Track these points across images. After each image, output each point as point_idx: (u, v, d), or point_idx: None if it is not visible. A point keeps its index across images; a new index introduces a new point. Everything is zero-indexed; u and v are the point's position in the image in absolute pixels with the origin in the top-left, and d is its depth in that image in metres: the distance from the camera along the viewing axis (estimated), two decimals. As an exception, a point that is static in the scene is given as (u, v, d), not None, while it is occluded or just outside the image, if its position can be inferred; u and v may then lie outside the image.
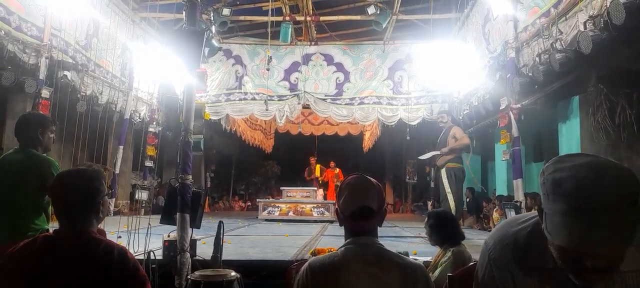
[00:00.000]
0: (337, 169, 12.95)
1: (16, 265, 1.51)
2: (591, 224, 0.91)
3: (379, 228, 1.63)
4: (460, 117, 9.24)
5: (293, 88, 10.69)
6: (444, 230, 3.01)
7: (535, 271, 1.14)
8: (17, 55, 6.33)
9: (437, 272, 2.82)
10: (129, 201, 10.35)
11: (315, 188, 11.26)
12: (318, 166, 12.93)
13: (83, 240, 1.55)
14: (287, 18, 9.75)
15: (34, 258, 1.50)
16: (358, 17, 9.86)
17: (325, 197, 12.54)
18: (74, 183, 1.63)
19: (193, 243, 3.75)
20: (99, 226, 1.74)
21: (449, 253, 2.87)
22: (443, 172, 6.82)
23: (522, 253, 1.16)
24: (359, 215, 1.54)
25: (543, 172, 1.03)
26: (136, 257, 1.65)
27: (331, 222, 9.57)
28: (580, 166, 0.97)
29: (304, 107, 10.91)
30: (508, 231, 1.23)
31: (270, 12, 9.26)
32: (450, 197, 6.62)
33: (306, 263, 1.55)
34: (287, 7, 9.63)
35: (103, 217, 1.71)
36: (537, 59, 5.78)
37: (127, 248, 1.66)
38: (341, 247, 1.56)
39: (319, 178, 12.65)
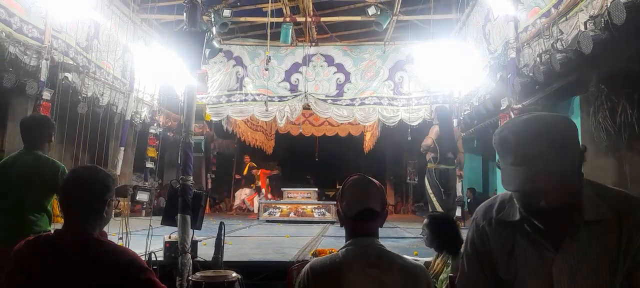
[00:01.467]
0: (260, 170, 12.90)
1: (17, 264, 1.51)
2: (531, 168, 1.13)
3: (380, 229, 1.63)
4: (461, 118, 9.24)
5: (293, 89, 10.68)
6: (442, 236, 2.87)
7: (506, 224, 1.30)
8: (18, 57, 6.34)
9: None
10: (129, 202, 10.35)
11: (316, 190, 11.26)
12: (247, 165, 12.88)
13: (85, 241, 1.55)
14: (288, 19, 9.75)
15: (35, 258, 1.50)
16: (358, 18, 9.85)
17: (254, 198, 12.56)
18: (88, 179, 1.63)
19: (194, 244, 3.76)
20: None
21: (448, 269, 2.75)
22: (426, 173, 6.89)
23: (498, 209, 1.35)
24: (363, 217, 1.54)
25: (495, 133, 1.24)
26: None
27: (332, 223, 9.57)
28: (518, 123, 1.21)
29: (304, 108, 10.90)
30: (495, 197, 1.41)
31: (270, 13, 9.27)
32: (433, 198, 6.65)
33: (307, 265, 1.55)
34: (288, 8, 9.63)
35: (108, 219, 1.71)
36: (538, 59, 5.77)
37: (132, 250, 1.66)
38: (342, 248, 1.56)
39: (256, 183, 12.62)
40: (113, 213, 1.76)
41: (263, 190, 12.63)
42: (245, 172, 12.71)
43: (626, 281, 1.17)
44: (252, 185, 12.69)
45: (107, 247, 1.57)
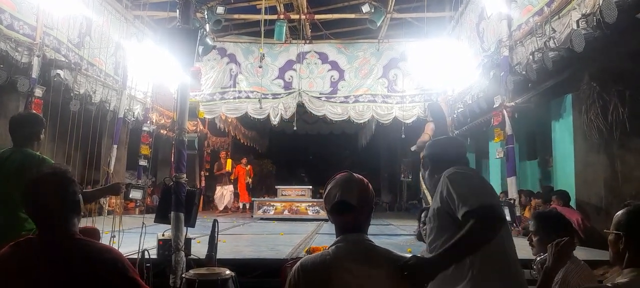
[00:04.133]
0: (249, 166, 12.88)
1: (2, 267, 1.49)
2: None
3: (371, 226, 1.64)
4: (454, 115, 9.26)
5: (287, 86, 10.68)
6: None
7: None
8: (9, 54, 6.28)
9: None
10: (122, 200, 10.28)
11: (310, 187, 11.25)
12: (229, 161, 12.77)
13: (68, 242, 1.53)
14: (282, 16, 9.72)
15: (20, 261, 1.48)
16: (353, 16, 9.85)
17: (236, 194, 12.59)
18: (54, 188, 1.57)
19: (188, 242, 3.75)
20: (93, 226, 1.73)
21: None
22: (422, 169, 6.83)
23: None
24: (337, 210, 1.56)
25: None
26: (130, 257, 1.63)
27: (326, 220, 9.57)
28: None
29: (298, 106, 10.90)
30: None
31: (264, 10, 9.24)
32: (427, 194, 6.66)
33: (298, 263, 1.56)
34: (282, 5, 9.60)
35: (83, 213, 1.68)
36: (531, 57, 5.80)
37: (116, 248, 1.64)
38: (332, 246, 1.57)
39: (231, 176, 12.60)
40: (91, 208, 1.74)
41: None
42: (229, 168, 12.60)
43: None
44: (231, 178, 12.55)
45: (91, 246, 1.55)
